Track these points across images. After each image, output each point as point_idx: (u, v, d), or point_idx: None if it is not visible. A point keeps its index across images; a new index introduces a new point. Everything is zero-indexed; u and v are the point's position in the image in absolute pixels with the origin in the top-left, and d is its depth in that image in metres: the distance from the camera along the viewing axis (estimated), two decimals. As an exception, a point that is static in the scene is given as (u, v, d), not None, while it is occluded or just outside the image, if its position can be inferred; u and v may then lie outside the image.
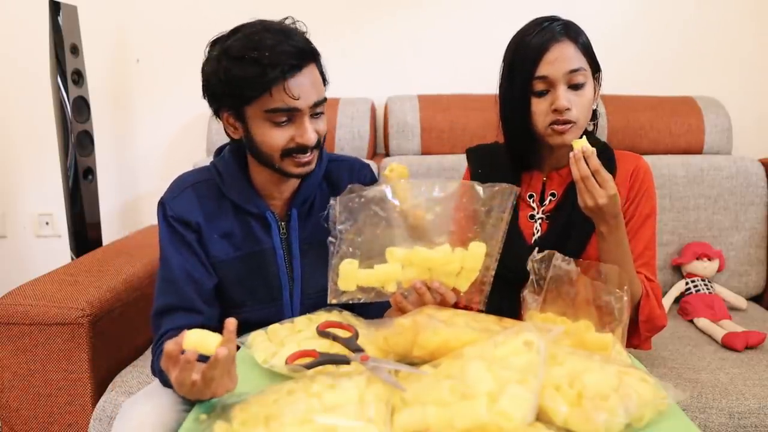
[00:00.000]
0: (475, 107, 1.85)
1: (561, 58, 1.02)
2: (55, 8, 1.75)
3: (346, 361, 0.81)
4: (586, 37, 1.07)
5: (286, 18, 1.02)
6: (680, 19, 1.97)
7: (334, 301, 0.87)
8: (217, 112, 1.03)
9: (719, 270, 1.70)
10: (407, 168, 1.04)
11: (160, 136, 2.10)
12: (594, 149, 0.95)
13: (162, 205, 1.07)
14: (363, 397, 0.69)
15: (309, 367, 0.79)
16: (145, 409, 0.97)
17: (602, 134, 1.80)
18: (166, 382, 0.97)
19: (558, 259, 0.91)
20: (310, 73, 0.98)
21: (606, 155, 1.12)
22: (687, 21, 1.97)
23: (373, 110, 1.94)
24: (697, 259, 1.69)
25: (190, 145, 2.04)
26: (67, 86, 1.78)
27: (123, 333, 1.40)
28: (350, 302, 0.87)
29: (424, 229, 0.87)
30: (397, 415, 0.68)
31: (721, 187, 1.75)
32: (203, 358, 0.74)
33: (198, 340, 0.73)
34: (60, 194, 1.89)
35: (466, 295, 0.89)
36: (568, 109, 1.01)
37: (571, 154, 0.96)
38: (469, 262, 0.86)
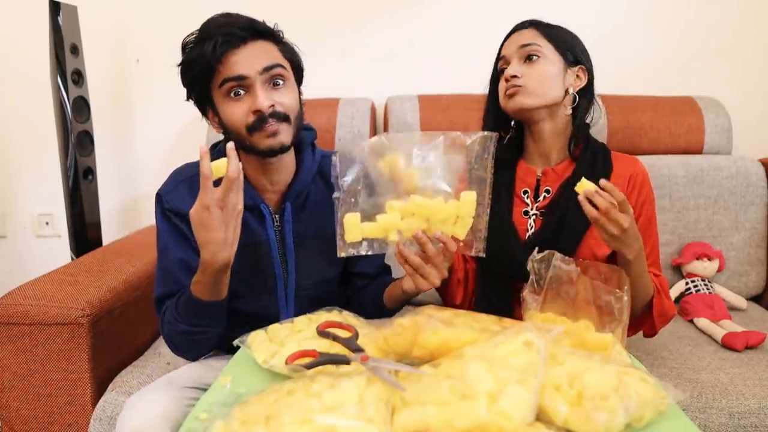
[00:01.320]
0: (475, 107, 1.83)
1: (517, 39, 1.13)
2: (55, 8, 1.75)
3: (346, 361, 0.81)
4: (563, 33, 1.14)
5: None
6: (680, 19, 1.97)
7: (342, 255, 0.92)
8: (203, 112, 1.07)
9: (719, 270, 1.70)
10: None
11: (160, 136, 2.10)
12: (596, 186, 0.93)
13: (159, 197, 1.09)
14: (363, 397, 0.69)
15: (309, 367, 0.79)
16: (151, 404, 0.98)
17: (602, 134, 1.80)
18: (184, 311, 1.02)
19: (558, 259, 0.91)
20: (258, 46, 1.00)
21: (603, 156, 1.15)
22: (687, 21, 1.97)
23: (373, 110, 1.94)
24: (697, 259, 1.69)
25: (190, 145, 2.04)
26: (67, 86, 1.78)
27: (123, 333, 1.40)
28: (357, 255, 0.92)
29: (417, 186, 0.91)
30: (397, 415, 0.68)
31: (721, 187, 1.75)
32: None
33: (216, 168, 0.88)
34: (60, 194, 1.89)
35: (465, 242, 0.93)
36: (514, 76, 1.09)
37: (579, 198, 0.94)
38: (463, 209, 0.90)
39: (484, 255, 0.94)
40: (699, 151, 1.83)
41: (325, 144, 1.82)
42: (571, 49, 1.13)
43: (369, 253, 0.93)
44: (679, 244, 1.75)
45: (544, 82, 1.10)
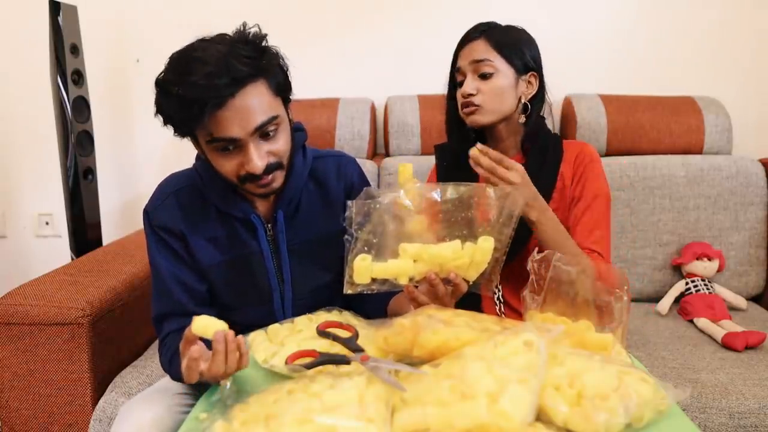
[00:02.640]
0: (475, 107, 1.84)
1: (470, 51, 1.17)
2: (55, 8, 1.75)
3: (346, 361, 0.81)
4: (513, 39, 1.16)
5: (241, 25, 0.95)
6: (680, 19, 1.97)
7: (349, 292, 0.90)
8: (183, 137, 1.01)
9: (719, 270, 1.70)
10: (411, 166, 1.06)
11: (160, 136, 2.08)
12: (484, 146, 1.03)
13: (146, 214, 1.06)
14: (363, 397, 0.69)
15: (309, 367, 0.79)
16: (143, 413, 0.97)
17: (602, 134, 1.80)
18: (176, 376, 1.01)
19: (558, 259, 0.91)
20: (248, 96, 0.89)
21: (553, 145, 1.22)
22: (687, 21, 1.97)
23: (373, 110, 1.94)
24: (697, 259, 1.69)
25: (190, 145, 2.03)
26: (67, 86, 1.78)
27: (123, 333, 1.40)
28: (364, 292, 0.90)
29: (435, 230, 0.90)
30: (397, 415, 0.68)
31: (721, 187, 1.75)
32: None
33: (203, 327, 0.78)
34: (60, 194, 1.89)
35: (474, 284, 0.92)
36: (471, 94, 1.14)
37: (470, 161, 1.03)
38: (478, 255, 0.89)
39: (492, 295, 0.96)
40: (699, 151, 1.83)
41: (325, 144, 1.82)
42: (521, 58, 1.16)
43: (376, 291, 0.90)
44: (679, 244, 1.75)
45: (499, 98, 1.15)
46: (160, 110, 0.94)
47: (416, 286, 0.92)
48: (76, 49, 1.81)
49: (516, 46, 1.16)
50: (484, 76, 1.14)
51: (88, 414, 1.27)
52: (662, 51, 1.98)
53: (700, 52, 1.98)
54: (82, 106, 1.85)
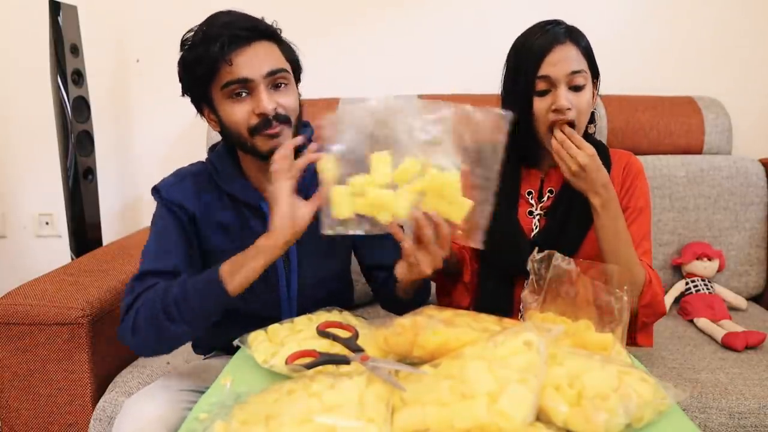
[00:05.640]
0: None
1: (563, 60, 1.04)
2: (55, 8, 1.75)
3: (346, 361, 0.81)
4: (588, 42, 1.10)
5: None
6: (680, 20, 1.97)
7: (329, 232, 0.86)
8: (199, 110, 1.07)
9: (719, 270, 1.70)
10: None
11: (160, 136, 2.10)
12: (570, 130, 1.01)
13: (157, 190, 1.09)
14: (363, 397, 0.69)
15: (309, 367, 0.79)
16: (148, 407, 0.97)
17: (602, 134, 1.80)
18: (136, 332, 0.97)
19: (558, 258, 0.91)
20: (262, 48, 1.00)
21: (602, 154, 1.14)
22: (687, 21, 1.97)
23: (373, 110, 1.94)
24: (697, 259, 1.69)
25: (190, 145, 2.04)
26: (67, 86, 1.78)
27: (123, 333, 1.40)
28: (346, 234, 0.85)
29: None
30: (397, 415, 0.68)
31: (721, 187, 1.75)
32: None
33: (326, 167, 0.85)
34: (60, 194, 1.89)
35: (463, 231, 0.88)
36: (568, 108, 1.04)
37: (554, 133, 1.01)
38: (446, 189, 0.83)
39: (483, 248, 0.89)
40: (699, 151, 1.83)
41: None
42: (594, 63, 1.10)
43: (358, 233, 0.86)
44: (679, 244, 1.75)
45: (587, 113, 1.08)
46: (181, 68, 1.03)
47: (401, 227, 0.88)
48: (76, 49, 1.82)
49: (590, 52, 1.09)
50: (577, 89, 1.04)
51: (88, 414, 1.27)
52: (662, 51, 1.98)
53: (700, 52, 1.98)
54: (82, 106, 1.85)
